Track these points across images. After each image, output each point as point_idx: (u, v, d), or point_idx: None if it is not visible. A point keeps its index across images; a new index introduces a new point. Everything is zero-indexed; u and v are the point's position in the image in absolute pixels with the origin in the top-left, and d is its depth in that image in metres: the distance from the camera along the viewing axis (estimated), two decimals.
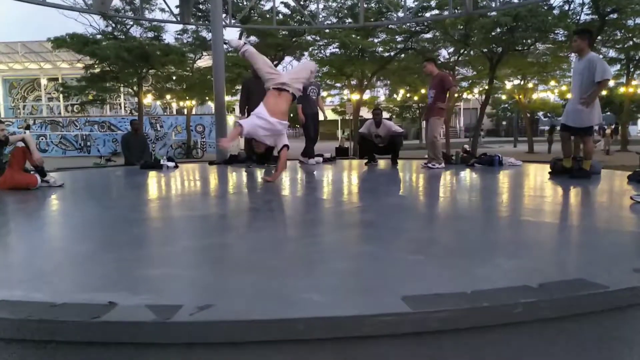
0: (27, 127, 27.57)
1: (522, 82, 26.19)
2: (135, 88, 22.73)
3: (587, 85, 5.32)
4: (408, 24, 19.11)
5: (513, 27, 16.90)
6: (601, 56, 23.75)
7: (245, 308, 1.60)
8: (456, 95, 23.91)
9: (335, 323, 1.53)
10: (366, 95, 27.89)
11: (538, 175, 6.36)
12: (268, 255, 2.43)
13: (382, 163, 8.41)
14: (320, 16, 16.78)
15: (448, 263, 2.17)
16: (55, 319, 1.53)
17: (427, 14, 19.04)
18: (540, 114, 39.24)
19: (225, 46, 11.66)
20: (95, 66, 21.13)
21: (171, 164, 8.51)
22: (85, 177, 7.48)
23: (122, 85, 23.95)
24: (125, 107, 33.80)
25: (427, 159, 7.51)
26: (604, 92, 28.08)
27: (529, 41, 19.10)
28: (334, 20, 20.36)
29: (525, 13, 16.25)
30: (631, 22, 20.05)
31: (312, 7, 19.64)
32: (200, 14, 19.77)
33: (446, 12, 16.12)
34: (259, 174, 6.91)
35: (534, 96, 28.97)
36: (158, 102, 31.11)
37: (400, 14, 15.41)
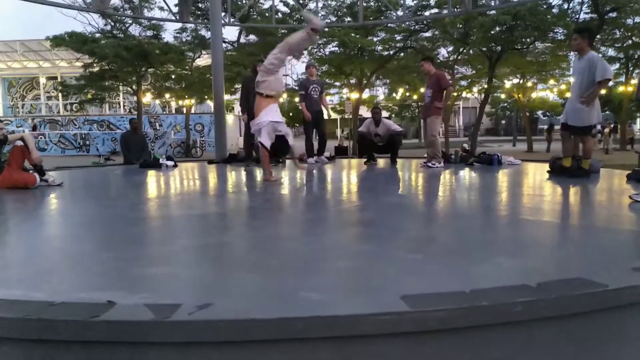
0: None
1: (521, 81, 26.19)
2: (134, 87, 22.71)
3: (587, 85, 5.29)
4: (407, 23, 19.08)
5: (512, 25, 16.89)
6: (600, 55, 23.88)
7: (244, 307, 1.60)
8: (455, 94, 23.97)
9: (334, 322, 1.52)
10: (365, 94, 27.88)
11: (537, 174, 6.36)
12: (267, 254, 2.43)
13: (382, 162, 8.41)
14: (320, 15, 16.76)
15: (447, 262, 2.17)
16: (54, 318, 1.52)
17: (427, 13, 19.05)
18: (540, 113, 39.27)
19: (224, 45, 11.64)
20: (94, 65, 21.11)
21: (170, 162, 8.50)
22: (84, 176, 7.47)
23: (121, 84, 23.92)
24: (124, 106, 33.76)
25: (427, 157, 7.51)
26: (603, 91, 28.16)
27: (528, 40, 19.11)
28: (333, 18, 20.35)
29: (525, 12, 16.25)
30: (630, 21, 20.07)
31: (312, 5, 19.62)
32: (199, 12, 19.76)
33: (445, 11, 16.11)
34: (258, 172, 6.90)
35: (533, 95, 28.96)
36: (157, 101, 31.07)
37: (400, 13, 15.40)
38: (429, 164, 7.24)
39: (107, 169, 9.49)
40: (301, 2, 19.58)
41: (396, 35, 21.26)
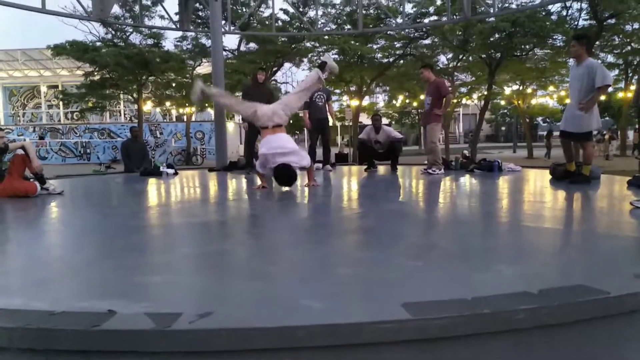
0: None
1: (520, 88, 26.27)
2: (134, 95, 22.79)
3: (586, 91, 5.29)
4: (407, 30, 19.17)
5: (511, 32, 16.98)
6: (599, 61, 23.95)
7: (245, 315, 1.59)
8: (455, 101, 24.03)
9: (335, 330, 1.52)
10: (365, 102, 27.97)
11: (538, 180, 6.36)
12: (268, 261, 2.42)
13: (382, 169, 8.42)
14: (319, 23, 16.85)
15: (448, 269, 2.16)
16: (54, 328, 1.52)
17: (426, 20, 19.14)
18: (540, 119, 39.34)
19: (224, 53, 11.68)
20: (95, 73, 21.20)
21: (171, 170, 8.51)
22: (85, 185, 7.47)
23: (121, 92, 24.01)
24: (125, 114, 33.86)
25: (427, 164, 7.51)
26: (602, 97, 28.18)
27: (527, 47, 19.19)
28: (333, 26, 20.45)
29: (524, 19, 16.34)
30: (629, 27, 20.15)
31: (311, 13, 19.73)
32: (199, 20, 19.85)
33: (445, 18, 16.18)
34: (259, 180, 6.90)
35: (533, 101, 29.04)
36: (158, 109, 31.16)
37: (399, 20, 15.46)
38: (430, 171, 7.24)
39: (107, 177, 9.50)
40: (301, 10, 19.68)
41: (396, 43, 21.36)
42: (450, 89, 8.28)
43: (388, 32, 20.44)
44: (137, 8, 17.90)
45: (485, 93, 22.06)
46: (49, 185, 5.59)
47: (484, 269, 2.13)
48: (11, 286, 2.07)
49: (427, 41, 21.43)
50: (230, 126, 25.21)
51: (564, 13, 19.46)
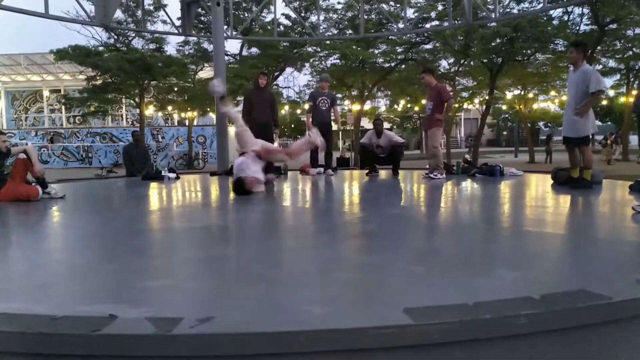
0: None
1: (522, 92, 26.25)
2: (137, 99, 22.83)
3: (581, 96, 5.39)
4: (408, 35, 19.20)
5: (513, 37, 16.98)
6: (601, 66, 23.98)
7: (246, 320, 1.59)
8: (456, 105, 24.03)
9: (336, 335, 1.52)
10: (367, 106, 27.99)
11: (539, 185, 6.35)
12: (269, 266, 2.42)
13: (383, 173, 8.42)
14: (321, 27, 16.90)
15: (450, 274, 2.16)
16: (55, 332, 1.52)
17: (427, 25, 19.16)
18: (541, 123, 39.32)
19: (226, 57, 11.71)
20: (97, 78, 21.25)
21: (172, 175, 8.51)
22: (87, 189, 7.48)
23: (123, 96, 24.06)
24: (126, 118, 33.97)
25: (429, 169, 7.51)
26: (604, 102, 28.06)
27: (528, 51, 19.18)
28: (335, 31, 20.49)
29: (525, 24, 16.34)
30: (630, 32, 20.17)
31: (313, 18, 19.77)
32: (201, 25, 19.91)
33: (446, 23, 16.22)
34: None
35: (535, 106, 29.03)
36: (160, 114, 31.26)
37: (401, 25, 15.51)
38: (431, 175, 7.24)
39: (109, 181, 9.51)
40: (303, 15, 19.73)
41: (397, 48, 21.38)
42: (451, 93, 8.28)
43: (390, 37, 20.47)
44: (139, 13, 18.00)
45: (487, 98, 22.05)
46: (50, 189, 5.60)
47: (485, 274, 2.13)
48: (12, 290, 2.07)
49: (429, 46, 21.46)
50: (232, 131, 25.24)
51: (566, 18, 19.50)
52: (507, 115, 39.45)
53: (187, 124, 27.58)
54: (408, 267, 2.30)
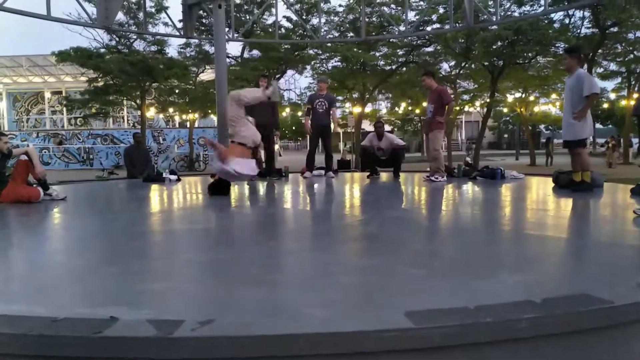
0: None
1: (523, 95, 26.27)
2: (138, 101, 22.86)
3: (577, 100, 5.50)
4: (409, 38, 19.21)
5: (514, 40, 16.98)
6: (602, 69, 24.01)
7: (246, 323, 1.59)
8: (458, 108, 24.04)
9: (337, 339, 1.52)
10: (368, 108, 28.01)
11: (540, 188, 6.35)
12: (269, 269, 2.42)
13: (384, 176, 8.41)
14: (322, 30, 16.91)
15: (451, 277, 2.15)
16: (56, 334, 1.52)
17: (428, 28, 19.17)
18: (542, 126, 39.30)
19: (227, 60, 11.70)
20: (99, 79, 21.28)
21: (173, 177, 8.51)
22: (88, 190, 7.48)
23: (125, 98, 24.08)
24: (128, 120, 33.99)
25: (430, 171, 7.51)
26: (605, 105, 28.02)
27: (529, 54, 19.20)
28: (336, 34, 20.49)
29: (526, 27, 16.35)
30: (631, 35, 20.18)
31: (314, 21, 19.80)
32: (203, 28, 19.94)
33: (447, 26, 16.20)
34: (261, 187, 6.92)
35: (536, 109, 29.03)
36: (161, 115, 31.27)
37: (402, 28, 15.51)
38: (432, 178, 7.23)
39: (110, 183, 9.51)
40: (304, 17, 19.75)
41: (398, 50, 21.40)
42: (452, 96, 8.27)
43: (391, 40, 20.48)
44: (141, 15, 18.01)
45: (488, 100, 22.06)
46: (52, 190, 5.60)
47: (486, 277, 2.13)
48: (13, 292, 2.08)
49: (430, 49, 21.48)
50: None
51: (567, 21, 19.52)
52: (508, 118, 39.44)
53: (188, 125, 27.58)
54: (409, 270, 2.30)
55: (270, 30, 19.69)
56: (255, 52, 22.15)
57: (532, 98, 27.12)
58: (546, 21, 17.91)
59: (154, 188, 7.29)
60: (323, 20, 19.09)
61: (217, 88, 10.23)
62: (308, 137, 8.62)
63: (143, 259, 2.72)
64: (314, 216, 4.57)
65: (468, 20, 10.05)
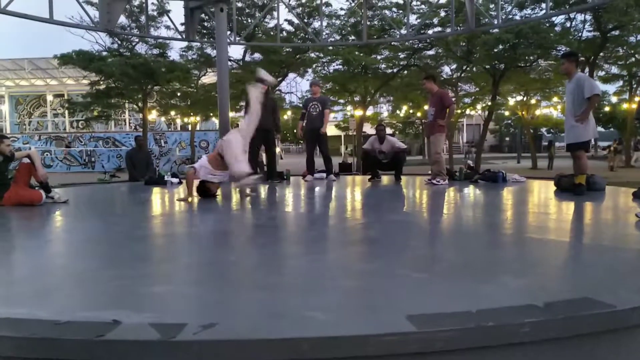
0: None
1: (524, 98, 26.27)
2: (140, 104, 22.91)
3: (579, 103, 5.52)
4: (411, 41, 19.23)
5: (515, 43, 17.00)
6: (603, 72, 23.99)
7: (249, 327, 1.59)
8: (459, 111, 24.04)
9: (339, 342, 1.51)
10: (369, 111, 28.03)
11: (542, 191, 6.34)
12: (271, 272, 2.42)
13: (386, 179, 8.41)
14: (324, 33, 16.94)
15: (453, 281, 2.15)
16: (58, 337, 1.52)
17: (430, 31, 19.19)
18: (544, 129, 39.27)
19: (229, 63, 11.72)
20: (101, 82, 21.34)
21: (175, 180, 8.52)
22: (90, 193, 7.50)
23: (127, 101, 24.15)
24: (129, 123, 34.06)
25: (431, 175, 7.51)
26: (606, 109, 28.00)
27: (531, 58, 19.21)
28: (338, 37, 20.53)
29: (528, 30, 16.37)
30: (633, 38, 20.17)
31: (316, 24, 19.84)
32: (205, 31, 19.98)
33: (448, 30, 16.22)
34: (263, 189, 6.92)
35: (537, 112, 29.01)
36: (162, 118, 31.32)
37: (403, 31, 15.52)
38: (434, 181, 7.23)
39: (112, 185, 9.53)
40: (305, 21, 19.79)
41: (400, 53, 21.41)
42: (454, 99, 8.27)
43: (392, 43, 20.51)
44: (143, 18, 18.07)
45: (489, 103, 22.05)
46: (54, 193, 5.62)
47: (488, 281, 2.12)
48: (16, 295, 2.08)
49: (431, 52, 21.49)
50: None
51: (568, 25, 19.53)
52: (509, 121, 39.44)
53: (189, 128, 27.62)
54: (411, 274, 2.30)
55: (271, 33, 19.73)
56: (257, 56, 22.20)
57: (533, 101, 27.11)
58: (547, 24, 17.92)
59: (156, 191, 7.30)
60: (324, 23, 19.13)
61: (218, 91, 10.29)
62: (305, 141, 8.63)
63: (145, 262, 2.72)
64: (315, 219, 4.57)
65: (469, 24, 10.06)
